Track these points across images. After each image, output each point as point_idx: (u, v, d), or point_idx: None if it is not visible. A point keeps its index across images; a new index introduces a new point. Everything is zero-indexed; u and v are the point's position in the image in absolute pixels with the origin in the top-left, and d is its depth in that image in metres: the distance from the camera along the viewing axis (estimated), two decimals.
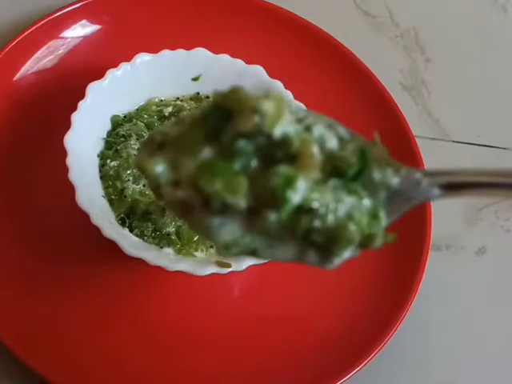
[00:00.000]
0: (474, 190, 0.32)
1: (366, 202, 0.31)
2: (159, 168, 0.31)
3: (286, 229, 0.31)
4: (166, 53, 0.51)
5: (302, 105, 0.49)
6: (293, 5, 0.58)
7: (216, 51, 0.51)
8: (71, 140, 0.46)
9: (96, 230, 0.44)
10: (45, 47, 0.54)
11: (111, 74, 0.49)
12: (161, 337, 0.48)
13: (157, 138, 0.32)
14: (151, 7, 0.57)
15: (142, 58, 0.50)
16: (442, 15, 0.65)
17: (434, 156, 0.56)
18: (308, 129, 0.31)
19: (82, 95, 0.48)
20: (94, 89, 0.48)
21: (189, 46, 0.51)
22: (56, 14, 0.54)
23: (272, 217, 0.30)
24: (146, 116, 0.50)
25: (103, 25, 0.56)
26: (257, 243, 0.32)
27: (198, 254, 0.47)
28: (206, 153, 0.31)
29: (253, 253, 0.32)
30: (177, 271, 0.44)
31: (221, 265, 0.45)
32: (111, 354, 0.47)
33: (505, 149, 0.59)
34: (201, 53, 0.51)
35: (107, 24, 0.56)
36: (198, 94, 0.52)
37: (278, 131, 0.30)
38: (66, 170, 0.45)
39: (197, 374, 0.47)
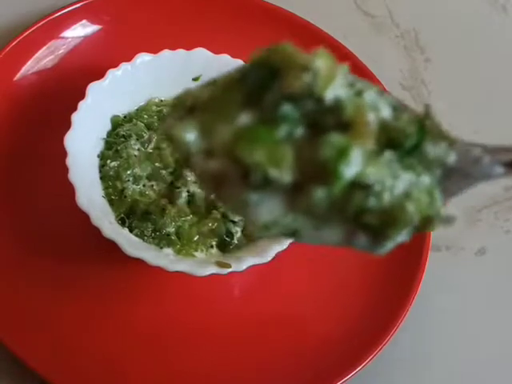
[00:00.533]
0: None
1: (425, 179, 0.28)
2: (190, 135, 0.27)
3: (335, 208, 0.27)
4: (166, 53, 0.51)
5: None
6: (293, 5, 0.58)
7: (216, 51, 0.51)
8: (71, 140, 0.46)
9: (96, 230, 0.44)
10: (45, 47, 0.54)
11: (111, 74, 0.49)
12: (161, 337, 0.48)
13: (187, 101, 0.29)
14: (151, 7, 0.57)
15: (143, 58, 0.50)
16: (442, 15, 0.65)
17: None
18: (359, 94, 0.28)
19: (82, 95, 0.48)
20: (94, 89, 0.48)
21: (189, 46, 0.51)
22: (56, 14, 0.54)
23: (320, 194, 0.27)
24: (146, 116, 0.51)
25: (103, 25, 0.56)
26: (299, 223, 0.28)
27: (197, 254, 0.47)
28: (245, 118, 0.27)
29: (294, 234, 0.28)
30: (176, 271, 0.44)
31: (221, 265, 0.45)
32: (111, 353, 0.47)
33: None
34: (201, 53, 0.51)
35: (107, 24, 0.56)
36: None
37: (330, 94, 0.27)
38: (66, 170, 0.45)
39: (196, 373, 0.47)
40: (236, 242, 0.48)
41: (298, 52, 0.27)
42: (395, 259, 0.51)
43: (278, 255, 0.46)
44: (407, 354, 0.51)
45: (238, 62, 0.51)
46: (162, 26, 0.56)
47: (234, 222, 0.48)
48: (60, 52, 0.54)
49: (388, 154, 0.27)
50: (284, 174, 0.26)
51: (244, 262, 0.45)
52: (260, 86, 0.27)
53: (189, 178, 0.48)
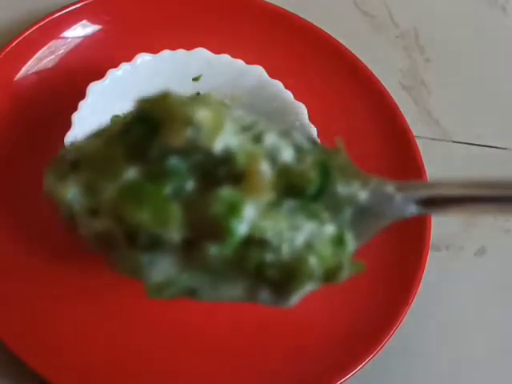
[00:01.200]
0: (460, 205, 0.27)
1: (329, 228, 0.26)
2: (72, 193, 0.26)
3: (233, 264, 0.26)
4: (166, 53, 0.51)
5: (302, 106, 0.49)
6: (292, 5, 0.58)
7: (216, 51, 0.51)
8: (71, 140, 0.46)
9: None
10: (45, 47, 0.54)
11: (112, 74, 0.49)
12: (161, 336, 0.48)
13: (69, 155, 0.27)
14: (151, 7, 0.57)
15: (143, 58, 0.50)
16: (441, 15, 0.65)
17: (434, 156, 0.56)
18: (257, 138, 0.26)
19: (82, 95, 0.48)
20: (94, 89, 0.48)
21: (189, 46, 0.51)
22: (56, 14, 0.54)
23: (214, 250, 0.25)
24: None
25: (104, 25, 0.56)
26: (197, 282, 0.26)
27: None
28: (130, 174, 0.25)
29: (192, 293, 0.27)
30: None
31: None
32: (111, 353, 0.47)
33: (505, 149, 0.59)
34: (201, 53, 0.51)
35: (108, 24, 0.56)
36: (199, 94, 0.52)
37: (218, 145, 0.25)
38: None
39: (198, 372, 0.47)
40: None
41: (179, 102, 0.25)
42: (395, 259, 0.51)
43: None
44: (407, 353, 0.51)
45: (238, 62, 0.51)
46: (162, 26, 0.56)
47: None
48: (60, 52, 0.54)
49: (288, 204, 0.25)
50: (172, 233, 0.25)
51: None
52: (145, 139, 0.25)
53: None
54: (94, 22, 0.56)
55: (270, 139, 0.26)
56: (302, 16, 0.58)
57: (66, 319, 0.47)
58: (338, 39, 0.58)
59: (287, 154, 0.26)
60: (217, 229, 0.24)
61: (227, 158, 0.25)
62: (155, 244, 0.25)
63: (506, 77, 0.63)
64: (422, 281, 0.50)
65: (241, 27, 0.57)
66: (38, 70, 0.53)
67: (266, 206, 0.25)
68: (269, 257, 0.25)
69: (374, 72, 0.57)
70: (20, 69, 0.53)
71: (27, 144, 0.51)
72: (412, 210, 0.27)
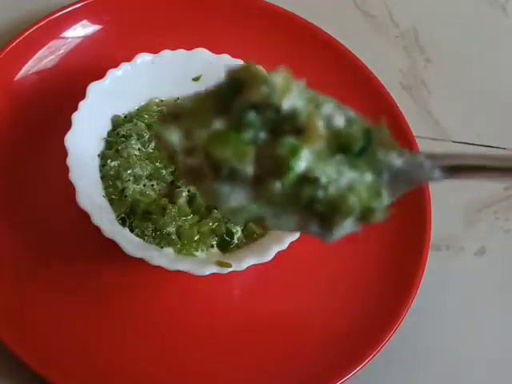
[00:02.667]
0: (474, 173, 0.33)
1: (368, 177, 0.33)
2: (174, 137, 0.33)
3: (290, 198, 0.33)
4: (166, 53, 0.51)
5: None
6: (293, 5, 0.59)
7: (216, 51, 0.51)
8: (71, 140, 0.46)
9: (96, 230, 0.44)
10: (45, 47, 0.54)
11: (112, 73, 0.49)
12: (161, 336, 0.48)
13: (172, 110, 0.34)
14: (152, 7, 0.57)
15: (143, 57, 0.50)
16: (442, 15, 0.65)
17: None
18: (318, 107, 0.33)
19: (82, 95, 0.48)
20: (94, 89, 0.48)
21: (189, 46, 0.51)
22: (57, 14, 0.54)
23: (277, 185, 0.32)
24: (146, 116, 0.51)
25: (104, 25, 0.56)
26: (263, 212, 0.33)
27: (198, 253, 0.47)
28: (218, 124, 0.33)
29: (261, 220, 0.34)
30: (177, 271, 0.45)
31: (221, 264, 0.45)
32: (111, 353, 0.47)
33: (505, 149, 0.59)
34: (201, 53, 0.51)
35: (108, 24, 0.56)
36: None
37: (286, 103, 0.32)
38: (66, 169, 0.45)
39: (196, 372, 0.47)
40: (236, 241, 0.48)
41: (261, 70, 0.32)
42: (395, 258, 0.51)
43: (278, 255, 0.46)
44: (407, 353, 0.51)
45: (238, 62, 0.51)
46: (162, 26, 0.56)
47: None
48: (60, 52, 0.54)
49: (338, 157, 0.33)
50: (247, 167, 0.32)
51: (244, 262, 0.45)
52: (230, 98, 0.33)
53: None
54: (94, 21, 0.56)
55: (327, 109, 0.33)
56: (302, 16, 0.58)
57: (66, 319, 0.47)
58: (338, 39, 0.58)
59: (340, 121, 0.33)
60: (280, 166, 0.32)
61: (293, 115, 0.32)
62: (233, 176, 0.32)
63: (505, 77, 0.63)
64: (422, 281, 0.50)
65: (241, 27, 0.57)
66: (38, 70, 0.54)
67: (319, 154, 0.32)
68: (319, 193, 0.32)
69: (374, 72, 0.57)
70: (20, 69, 0.53)
71: (27, 144, 0.51)
72: (438, 175, 0.33)
